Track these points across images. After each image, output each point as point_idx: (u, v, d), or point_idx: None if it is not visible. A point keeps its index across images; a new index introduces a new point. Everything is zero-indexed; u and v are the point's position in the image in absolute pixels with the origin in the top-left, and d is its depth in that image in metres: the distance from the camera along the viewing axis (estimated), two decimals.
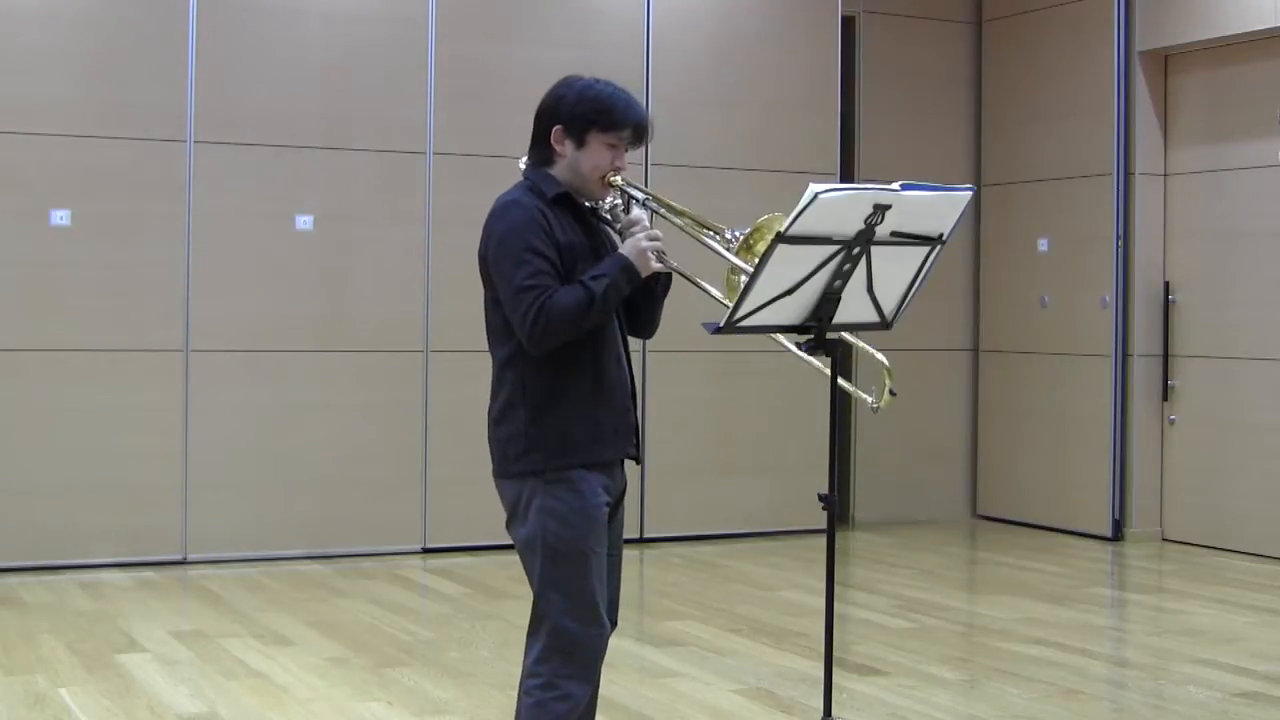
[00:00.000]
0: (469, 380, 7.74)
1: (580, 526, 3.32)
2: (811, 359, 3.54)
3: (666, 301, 3.53)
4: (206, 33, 7.54)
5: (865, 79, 9.32)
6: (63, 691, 5.11)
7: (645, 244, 3.32)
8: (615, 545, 3.47)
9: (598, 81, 3.41)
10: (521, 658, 3.40)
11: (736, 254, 3.29)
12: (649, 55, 8.41)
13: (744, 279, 3.25)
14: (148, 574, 7.29)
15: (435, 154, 7.97)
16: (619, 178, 3.39)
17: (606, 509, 3.39)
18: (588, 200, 3.43)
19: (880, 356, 3.63)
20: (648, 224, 3.41)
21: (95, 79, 7.39)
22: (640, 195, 3.44)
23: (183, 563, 7.52)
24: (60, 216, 7.31)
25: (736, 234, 3.33)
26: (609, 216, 3.45)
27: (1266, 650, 6.03)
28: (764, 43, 8.73)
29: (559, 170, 3.40)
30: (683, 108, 8.38)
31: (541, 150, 3.42)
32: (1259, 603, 6.99)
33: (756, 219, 3.31)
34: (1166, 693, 5.35)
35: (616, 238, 3.46)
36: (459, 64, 8.01)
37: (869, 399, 3.68)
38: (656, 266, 3.34)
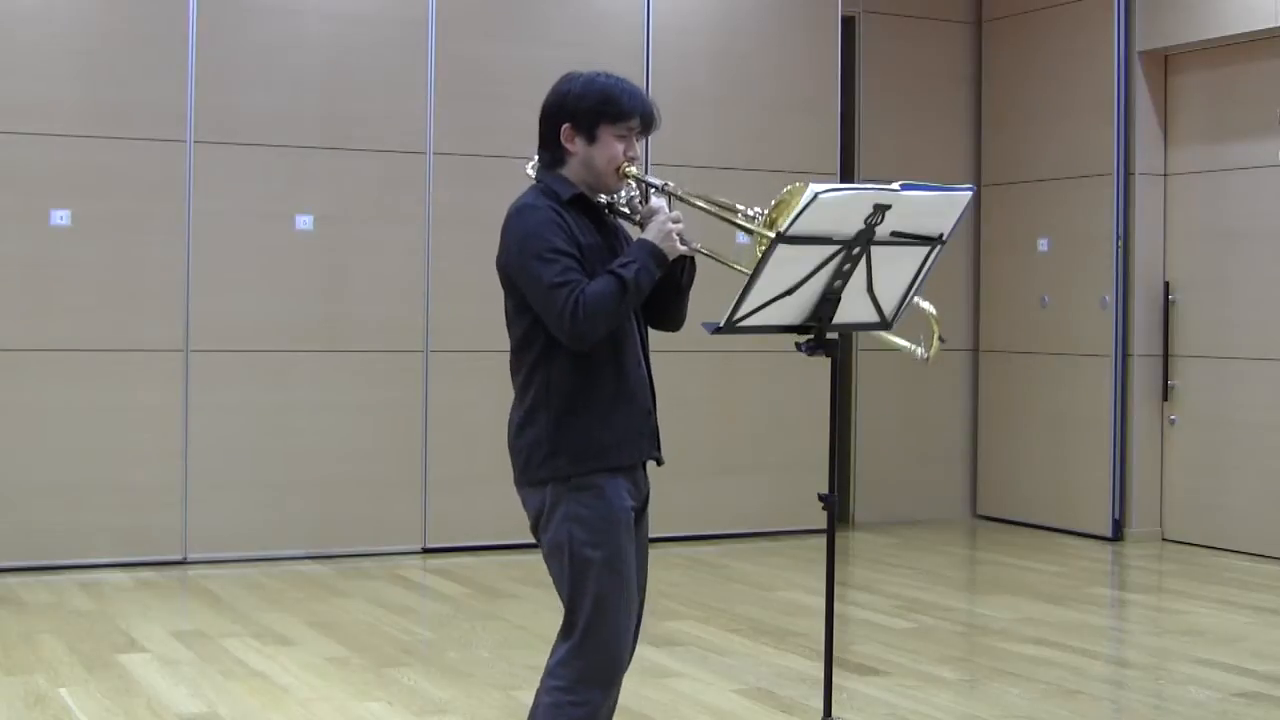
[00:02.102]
0: (469, 380, 7.75)
1: (606, 533, 3.28)
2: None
3: None
4: (206, 33, 7.54)
5: (865, 79, 9.32)
6: (63, 691, 5.11)
7: (669, 226, 3.29)
8: (641, 550, 3.43)
9: (599, 74, 3.38)
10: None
11: (762, 229, 3.26)
12: (649, 55, 8.41)
13: None
14: (148, 574, 7.29)
15: (435, 154, 7.97)
16: (633, 168, 3.37)
17: (633, 513, 3.35)
18: (603, 195, 3.40)
19: (926, 305, 3.60)
20: (668, 210, 3.39)
21: (95, 79, 7.39)
22: (657, 183, 3.40)
23: (183, 563, 7.52)
24: (60, 216, 7.31)
25: (758, 210, 3.31)
26: (626, 210, 3.42)
27: (1266, 650, 6.03)
28: (764, 43, 8.73)
29: (571, 170, 3.36)
30: (683, 108, 8.37)
31: (552, 151, 3.38)
32: (1259, 603, 6.99)
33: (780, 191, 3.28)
34: (1166, 693, 5.35)
35: (636, 232, 3.43)
36: (459, 64, 8.01)
37: (918, 349, 3.66)
38: (682, 248, 3.30)
